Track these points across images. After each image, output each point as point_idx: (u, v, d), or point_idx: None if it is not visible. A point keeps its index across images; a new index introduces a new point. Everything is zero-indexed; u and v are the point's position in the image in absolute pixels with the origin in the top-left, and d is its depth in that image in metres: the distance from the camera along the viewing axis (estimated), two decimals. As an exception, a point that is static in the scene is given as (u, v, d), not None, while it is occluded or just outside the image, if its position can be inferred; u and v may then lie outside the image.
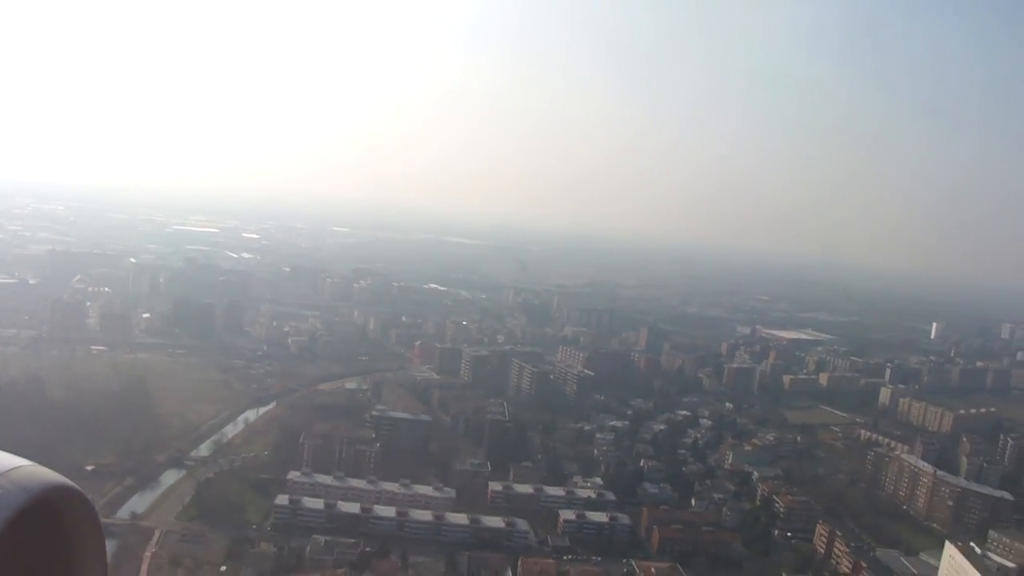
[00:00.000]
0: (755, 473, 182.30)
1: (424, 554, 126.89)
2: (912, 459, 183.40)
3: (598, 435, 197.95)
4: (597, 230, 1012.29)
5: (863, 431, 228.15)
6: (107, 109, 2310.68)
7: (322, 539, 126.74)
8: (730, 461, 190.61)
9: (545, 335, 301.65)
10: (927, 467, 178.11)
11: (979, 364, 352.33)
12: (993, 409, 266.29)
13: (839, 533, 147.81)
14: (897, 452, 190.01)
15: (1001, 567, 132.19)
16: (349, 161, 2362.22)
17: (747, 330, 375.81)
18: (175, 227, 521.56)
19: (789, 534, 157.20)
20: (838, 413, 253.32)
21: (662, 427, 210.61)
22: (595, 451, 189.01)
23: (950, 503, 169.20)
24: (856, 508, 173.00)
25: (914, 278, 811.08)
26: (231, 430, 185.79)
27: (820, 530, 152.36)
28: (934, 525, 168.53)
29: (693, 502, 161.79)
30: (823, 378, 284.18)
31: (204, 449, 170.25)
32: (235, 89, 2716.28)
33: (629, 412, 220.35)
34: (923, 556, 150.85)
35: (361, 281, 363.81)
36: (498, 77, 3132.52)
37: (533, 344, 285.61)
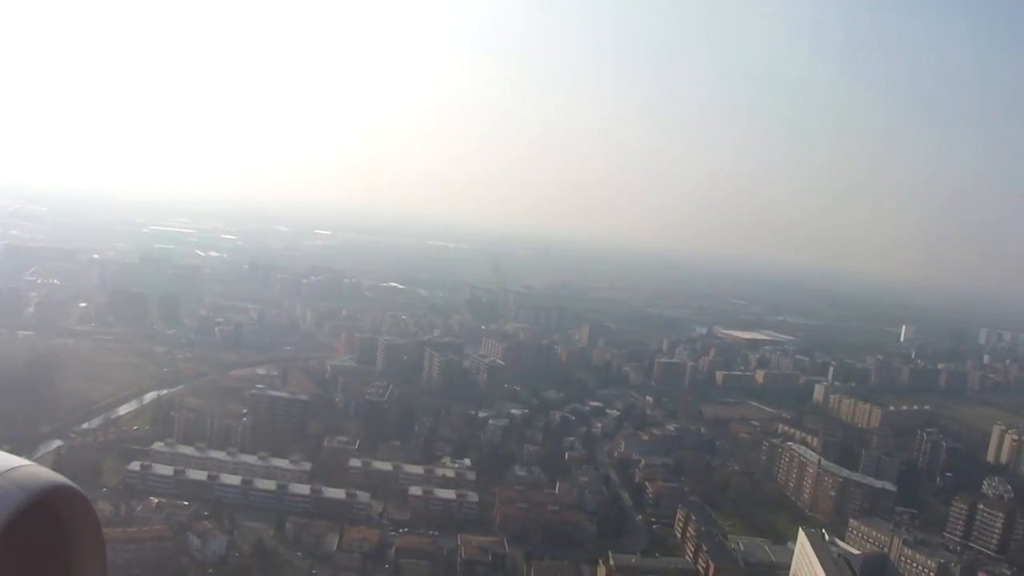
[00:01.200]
0: (642, 461, 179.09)
1: (256, 520, 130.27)
2: (801, 450, 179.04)
3: (491, 421, 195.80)
4: (595, 237, 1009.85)
5: (781, 425, 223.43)
6: (112, 115, 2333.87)
7: (156, 501, 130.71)
8: (621, 449, 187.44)
9: (482, 329, 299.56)
10: (814, 457, 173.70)
11: (939, 366, 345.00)
12: (928, 407, 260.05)
13: (694, 518, 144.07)
14: (790, 444, 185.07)
15: (843, 554, 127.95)
16: (352, 168, 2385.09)
17: (704, 330, 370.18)
18: (153, 228, 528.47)
19: (653, 519, 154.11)
20: (765, 408, 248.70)
21: (565, 416, 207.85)
22: (481, 436, 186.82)
23: (832, 493, 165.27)
24: (737, 496, 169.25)
25: (911, 285, 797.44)
26: (125, 408, 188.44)
27: (680, 515, 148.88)
28: (816, 514, 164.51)
29: (557, 485, 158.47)
30: (760, 375, 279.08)
31: (92, 424, 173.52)
32: (239, 96, 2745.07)
33: (536, 401, 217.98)
34: (791, 544, 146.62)
35: (312, 277, 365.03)
36: (500, 84, 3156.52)
37: (467, 337, 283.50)
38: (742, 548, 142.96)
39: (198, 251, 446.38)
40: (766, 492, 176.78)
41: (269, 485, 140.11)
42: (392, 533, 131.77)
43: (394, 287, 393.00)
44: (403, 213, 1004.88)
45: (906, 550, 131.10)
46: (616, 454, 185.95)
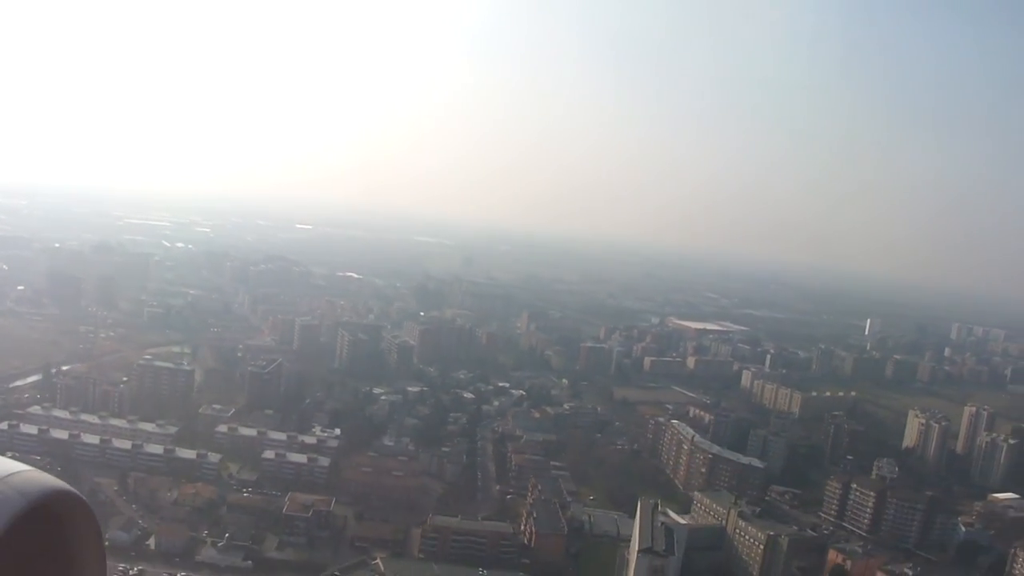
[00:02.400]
0: (523, 437, 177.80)
1: (106, 476, 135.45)
2: (681, 428, 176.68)
3: (383, 396, 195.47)
4: (591, 235, 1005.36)
5: (692, 408, 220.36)
6: (114, 114, 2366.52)
7: (9, 454, 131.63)
8: (507, 426, 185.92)
9: (420, 315, 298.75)
10: (690, 434, 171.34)
11: (896, 357, 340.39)
12: (854, 394, 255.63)
13: (539, 488, 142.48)
14: (673, 422, 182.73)
15: (668, 523, 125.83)
16: (354, 167, 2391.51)
17: (657, 320, 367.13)
18: (129, 221, 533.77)
19: (510, 489, 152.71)
20: (687, 393, 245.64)
21: (463, 394, 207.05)
22: (367, 409, 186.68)
23: (703, 469, 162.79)
24: (613, 472, 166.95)
25: (903, 284, 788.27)
26: (27, 380, 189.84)
27: (531, 485, 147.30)
28: (689, 489, 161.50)
29: (418, 455, 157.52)
30: (691, 362, 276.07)
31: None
32: (241, 96, 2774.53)
33: (439, 380, 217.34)
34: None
35: (263, 265, 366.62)
36: (502, 84, 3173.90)
37: (401, 321, 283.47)
38: (591, 520, 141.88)
39: (165, 242, 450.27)
40: (645, 468, 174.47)
41: (125, 445, 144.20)
42: (235, 491, 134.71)
43: (350, 276, 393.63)
44: (400, 211, 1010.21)
45: (740, 522, 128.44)
46: (500, 430, 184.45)
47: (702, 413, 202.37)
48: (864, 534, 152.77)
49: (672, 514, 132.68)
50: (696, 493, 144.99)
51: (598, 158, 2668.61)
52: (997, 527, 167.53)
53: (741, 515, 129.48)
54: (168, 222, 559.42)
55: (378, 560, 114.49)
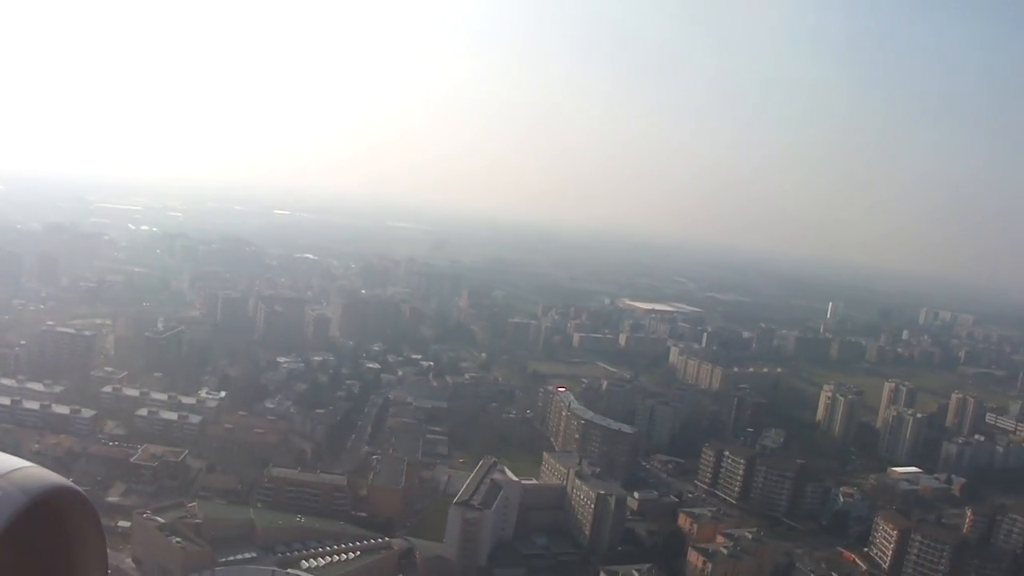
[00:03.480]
0: (413, 404, 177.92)
1: None
2: (565, 396, 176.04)
3: (284, 364, 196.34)
4: (584, 224, 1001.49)
5: (605, 382, 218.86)
6: (115, 102, 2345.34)
7: None
8: (401, 393, 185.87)
9: (356, 292, 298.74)
10: (568, 402, 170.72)
11: (849, 339, 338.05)
12: (780, 370, 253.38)
13: (392, 448, 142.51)
14: (559, 390, 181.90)
15: (499, 480, 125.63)
16: (356, 157, 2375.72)
17: (608, 301, 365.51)
18: (102, 205, 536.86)
19: (377, 449, 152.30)
20: (609, 368, 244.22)
21: (368, 364, 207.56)
22: (263, 376, 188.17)
23: (576, 434, 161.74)
24: (494, 437, 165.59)
25: (891, 273, 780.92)
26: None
27: (391, 444, 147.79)
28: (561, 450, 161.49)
29: (294, 416, 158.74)
30: (623, 339, 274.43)
31: None
32: (244, 85, 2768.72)
33: (349, 351, 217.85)
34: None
35: (213, 245, 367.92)
36: (504, 75, 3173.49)
37: (339, 298, 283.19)
38: (449, 480, 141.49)
39: (130, 224, 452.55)
40: (529, 434, 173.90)
41: (4, 400, 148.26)
42: (99, 443, 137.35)
43: (306, 257, 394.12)
44: (398, 200, 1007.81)
45: (577, 481, 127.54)
46: (392, 397, 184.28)
47: (602, 384, 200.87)
48: (734, 501, 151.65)
49: (508, 472, 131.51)
50: (544, 454, 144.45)
51: (598, 149, 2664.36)
52: (885, 499, 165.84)
53: (578, 475, 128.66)
54: (142, 207, 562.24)
55: (195, 503, 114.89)
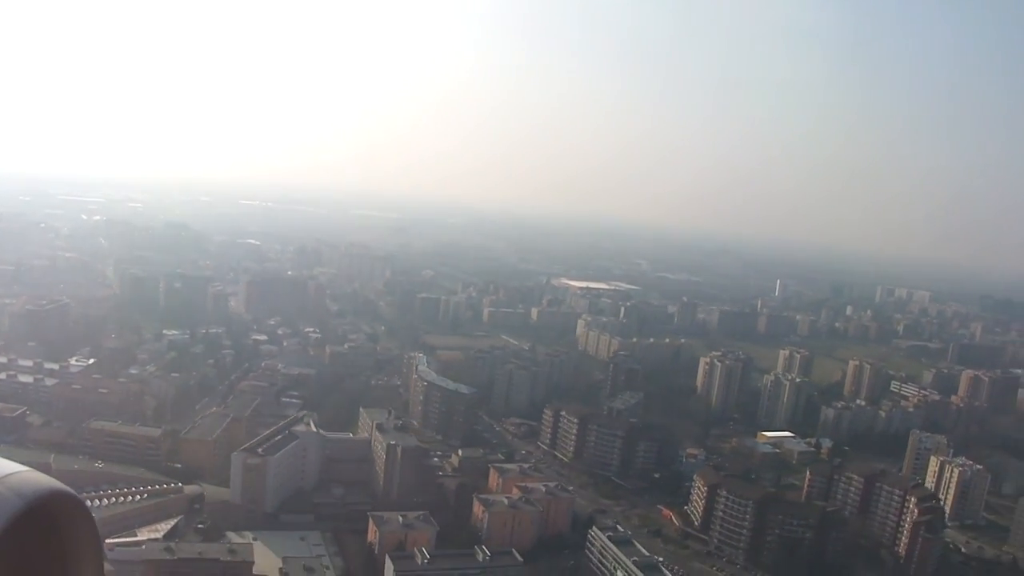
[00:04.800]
0: (283, 370, 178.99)
1: None
2: (418, 360, 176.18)
3: (171, 335, 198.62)
4: (573, 215, 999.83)
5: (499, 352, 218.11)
6: (110, 101, 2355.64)
7: None
8: (273, 362, 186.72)
9: (288, 274, 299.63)
10: (419, 366, 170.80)
11: (783, 314, 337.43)
12: (683, 341, 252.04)
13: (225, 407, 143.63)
14: (416, 355, 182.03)
15: (302, 432, 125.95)
16: (357, 154, 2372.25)
17: (544, 279, 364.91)
18: (64, 198, 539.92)
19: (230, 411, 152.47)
20: (511, 340, 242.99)
21: (256, 336, 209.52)
22: (143, 346, 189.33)
23: (421, 396, 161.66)
24: (351, 399, 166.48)
25: (861, 255, 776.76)
26: None
27: (226, 403, 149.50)
28: (412, 412, 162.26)
29: (150, 379, 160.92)
30: (534, 313, 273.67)
31: None
32: (246, 85, 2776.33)
33: (240, 323, 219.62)
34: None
35: (153, 231, 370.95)
36: (498, 73, 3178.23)
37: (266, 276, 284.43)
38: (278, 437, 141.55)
39: (83, 215, 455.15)
40: (387, 398, 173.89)
41: None
42: None
43: (249, 242, 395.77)
44: (390, 194, 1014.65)
45: (377, 434, 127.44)
46: (264, 364, 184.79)
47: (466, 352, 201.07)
48: (568, 460, 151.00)
49: (312, 425, 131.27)
50: (360, 409, 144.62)
51: (598, 143, 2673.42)
52: (741, 462, 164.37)
53: (378, 427, 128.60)
54: (105, 199, 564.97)
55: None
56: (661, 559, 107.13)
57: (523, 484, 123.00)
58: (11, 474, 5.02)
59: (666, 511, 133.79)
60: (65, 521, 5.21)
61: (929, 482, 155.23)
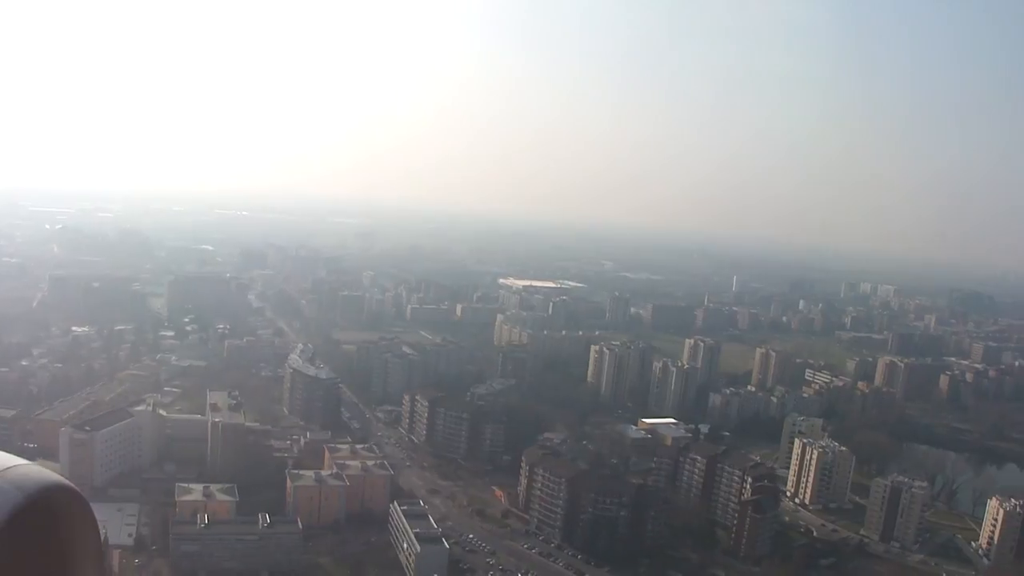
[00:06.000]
0: (174, 361, 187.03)
1: None
2: (295, 351, 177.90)
3: (75, 331, 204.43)
4: (559, 220, 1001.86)
5: (405, 345, 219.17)
6: (107, 113, 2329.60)
7: None
8: (167, 355, 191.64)
9: (227, 276, 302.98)
10: (291, 357, 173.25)
11: (720, 308, 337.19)
12: (598, 334, 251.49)
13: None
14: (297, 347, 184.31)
15: (139, 412, 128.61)
16: (355, 161, 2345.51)
17: (490, 279, 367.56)
18: (34, 209, 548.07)
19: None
20: (426, 335, 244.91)
21: (164, 332, 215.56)
22: (45, 342, 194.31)
23: (288, 384, 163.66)
24: (227, 387, 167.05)
25: (843, 253, 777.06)
26: None
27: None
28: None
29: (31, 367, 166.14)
30: (459, 310, 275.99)
31: None
32: (241, 94, 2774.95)
33: (160, 321, 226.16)
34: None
35: (105, 238, 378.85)
36: (499, 82, 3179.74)
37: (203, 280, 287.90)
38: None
39: (47, 225, 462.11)
40: (267, 385, 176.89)
41: None
42: None
43: (203, 248, 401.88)
44: (382, 201, 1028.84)
45: (211, 413, 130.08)
46: (158, 356, 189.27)
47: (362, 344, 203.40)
48: (419, 443, 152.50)
49: (149, 406, 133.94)
50: (208, 391, 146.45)
51: (599, 148, 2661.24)
52: (608, 447, 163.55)
53: (212, 407, 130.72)
54: (76, 209, 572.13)
55: None
56: (442, 531, 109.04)
57: (341, 462, 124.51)
58: (11, 467, 4.96)
59: (498, 491, 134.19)
60: (65, 514, 5.15)
61: (794, 464, 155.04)
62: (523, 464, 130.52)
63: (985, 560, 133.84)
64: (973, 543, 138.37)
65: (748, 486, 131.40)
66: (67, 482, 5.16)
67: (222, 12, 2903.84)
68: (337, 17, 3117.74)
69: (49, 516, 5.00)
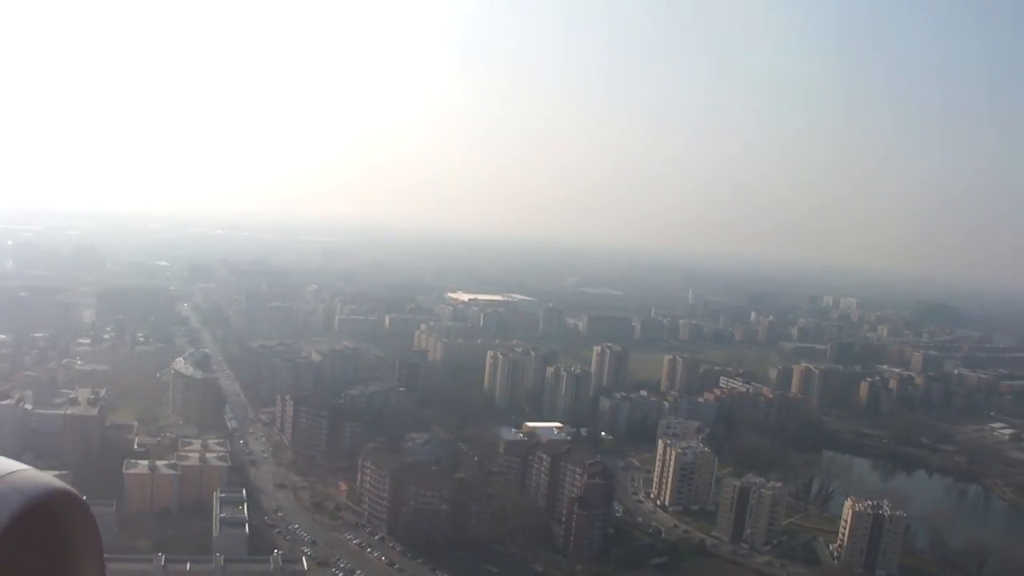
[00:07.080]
0: (78, 366, 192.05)
1: None
2: (181, 359, 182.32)
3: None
4: (538, 236, 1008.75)
5: (312, 350, 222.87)
6: (95, 131, 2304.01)
7: None
8: (72, 360, 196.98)
9: (170, 289, 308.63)
10: (177, 360, 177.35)
11: (659, 319, 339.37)
12: (515, 342, 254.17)
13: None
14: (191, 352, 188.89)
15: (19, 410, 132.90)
16: (352, 181, 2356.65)
17: (436, 293, 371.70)
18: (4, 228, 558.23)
19: None
20: (349, 344, 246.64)
21: (82, 339, 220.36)
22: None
23: (171, 385, 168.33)
24: (124, 389, 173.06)
25: (831, 269, 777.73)
26: None
27: None
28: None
29: None
30: (387, 320, 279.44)
31: None
32: (235, 110, 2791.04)
33: (79, 329, 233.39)
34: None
35: (60, 254, 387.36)
36: (487, 96, 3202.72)
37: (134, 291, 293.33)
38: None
39: (9, 241, 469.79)
40: (157, 387, 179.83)
41: None
42: None
43: (158, 264, 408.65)
44: (372, 221, 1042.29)
45: (70, 407, 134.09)
46: (64, 361, 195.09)
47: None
48: (287, 442, 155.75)
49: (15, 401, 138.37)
50: (77, 388, 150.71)
51: (578, 167, 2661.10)
52: (484, 448, 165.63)
53: (70, 402, 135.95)
54: (44, 227, 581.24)
55: None
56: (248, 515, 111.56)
57: (183, 453, 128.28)
58: (12, 472, 4.94)
59: (343, 486, 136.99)
60: (66, 519, 5.11)
61: (657, 466, 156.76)
62: (361, 460, 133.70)
63: (836, 562, 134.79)
64: (831, 545, 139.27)
65: (580, 483, 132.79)
66: (68, 487, 5.13)
67: (214, 31, 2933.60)
68: (321, 39, 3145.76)
69: (50, 521, 4.98)
